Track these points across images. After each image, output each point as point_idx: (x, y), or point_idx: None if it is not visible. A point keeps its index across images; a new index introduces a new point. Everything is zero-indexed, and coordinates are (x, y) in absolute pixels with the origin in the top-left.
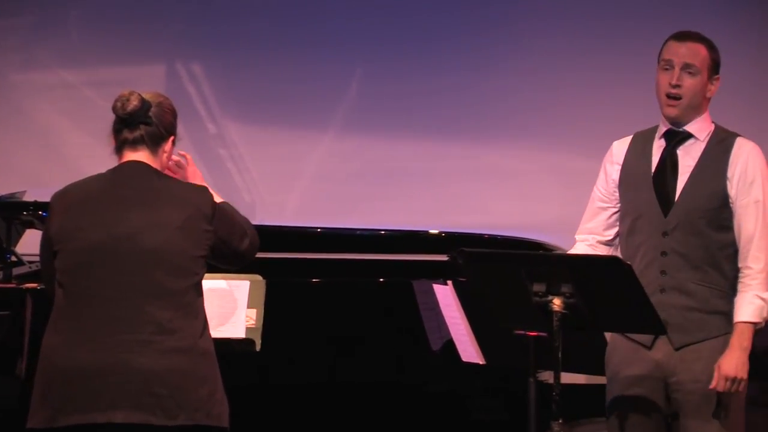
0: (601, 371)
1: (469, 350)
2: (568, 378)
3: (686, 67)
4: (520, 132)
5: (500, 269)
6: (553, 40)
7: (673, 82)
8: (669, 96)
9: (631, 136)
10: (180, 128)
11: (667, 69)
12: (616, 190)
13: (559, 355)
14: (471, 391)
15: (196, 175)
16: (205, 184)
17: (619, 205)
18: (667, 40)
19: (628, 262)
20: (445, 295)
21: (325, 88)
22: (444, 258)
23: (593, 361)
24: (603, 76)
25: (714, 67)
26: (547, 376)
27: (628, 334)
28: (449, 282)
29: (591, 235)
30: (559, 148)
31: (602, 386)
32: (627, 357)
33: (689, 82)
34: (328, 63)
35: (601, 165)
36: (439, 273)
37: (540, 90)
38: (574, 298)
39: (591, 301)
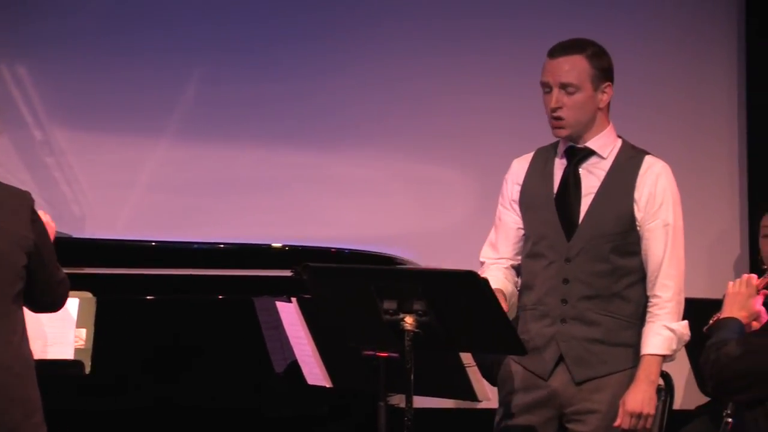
0: (458, 395)
1: (315, 372)
2: (421, 402)
3: (563, 87)
4: (366, 140)
5: (348, 285)
6: (401, 45)
7: (552, 105)
8: (553, 118)
9: (532, 153)
10: (4, 136)
11: (546, 92)
12: (519, 209)
13: (412, 378)
14: (318, 416)
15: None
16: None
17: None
18: (546, 57)
19: (484, 276)
20: (289, 313)
21: (160, 92)
22: (288, 273)
23: (450, 383)
24: (452, 81)
25: (600, 76)
26: (398, 400)
27: (524, 363)
28: (293, 299)
29: (503, 258)
30: (409, 156)
31: (458, 410)
32: (521, 383)
33: (569, 102)
34: (164, 66)
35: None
36: (282, 289)
37: (387, 97)
38: (428, 315)
39: (446, 319)
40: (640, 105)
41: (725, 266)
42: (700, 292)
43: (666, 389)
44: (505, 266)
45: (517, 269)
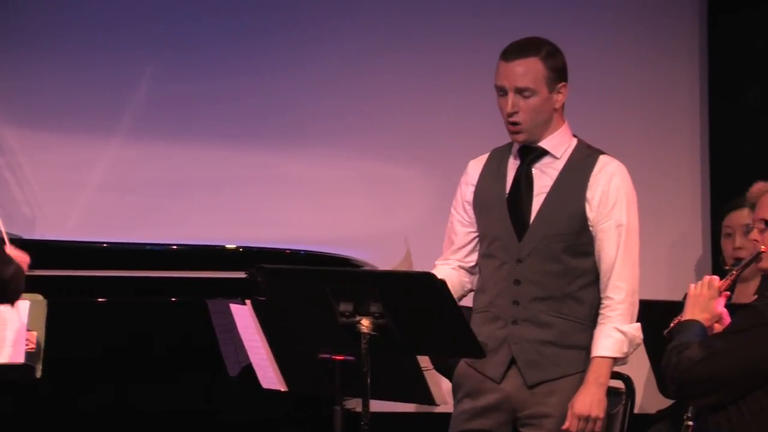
0: (415, 399)
1: (269, 376)
2: (377, 406)
3: (519, 91)
4: (322, 139)
5: (303, 287)
6: (357, 43)
7: (508, 109)
8: (510, 123)
9: (487, 154)
10: None
11: (501, 95)
12: (473, 211)
13: (368, 381)
14: (272, 420)
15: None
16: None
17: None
18: (499, 59)
19: (442, 278)
20: (243, 315)
21: (111, 91)
22: (242, 275)
23: (407, 387)
24: (408, 79)
25: (555, 78)
26: (355, 404)
27: (476, 367)
28: (248, 301)
29: (451, 259)
30: (365, 156)
31: (415, 414)
32: (475, 387)
33: (526, 106)
34: (115, 64)
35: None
36: (236, 291)
37: (342, 95)
38: (385, 318)
39: (402, 322)
40: (601, 103)
41: (687, 267)
42: (661, 294)
43: (626, 392)
44: (452, 266)
45: (470, 271)
